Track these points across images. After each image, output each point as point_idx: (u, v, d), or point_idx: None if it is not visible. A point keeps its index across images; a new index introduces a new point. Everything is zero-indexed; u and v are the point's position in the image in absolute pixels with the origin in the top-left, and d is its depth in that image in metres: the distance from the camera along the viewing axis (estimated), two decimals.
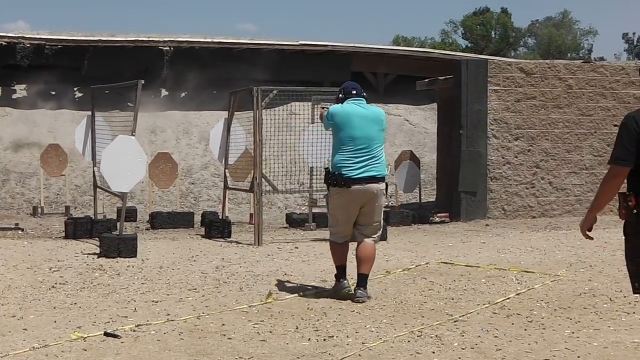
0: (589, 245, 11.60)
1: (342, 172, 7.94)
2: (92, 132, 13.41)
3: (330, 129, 8.32)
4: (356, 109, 8.11)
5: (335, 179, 7.99)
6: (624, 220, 5.28)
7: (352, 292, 8.03)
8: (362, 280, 8.07)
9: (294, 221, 15.14)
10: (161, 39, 25.18)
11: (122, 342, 6.33)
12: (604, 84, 16.43)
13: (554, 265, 10.20)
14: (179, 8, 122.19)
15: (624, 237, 5.36)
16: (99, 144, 12.94)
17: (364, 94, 8.29)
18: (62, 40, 24.52)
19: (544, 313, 7.49)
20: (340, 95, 8.30)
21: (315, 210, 14.77)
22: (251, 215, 14.67)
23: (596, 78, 16.44)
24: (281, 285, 8.81)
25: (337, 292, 8.13)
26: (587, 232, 5.55)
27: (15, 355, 5.92)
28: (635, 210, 5.12)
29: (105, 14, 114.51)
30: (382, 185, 8.11)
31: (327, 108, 8.52)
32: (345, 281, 8.17)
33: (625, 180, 5.25)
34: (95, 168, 13.29)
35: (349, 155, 7.98)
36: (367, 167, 7.98)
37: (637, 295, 5.40)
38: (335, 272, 8.28)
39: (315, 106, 14.14)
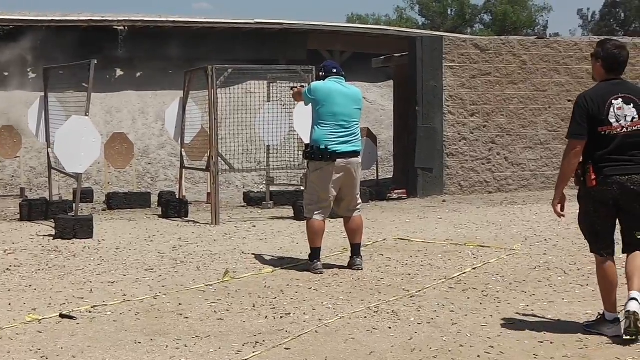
0: (544, 219, 11.77)
1: (328, 147, 8.15)
2: (46, 113, 13.26)
3: (310, 104, 8.49)
4: (337, 87, 8.38)
5: (320, 153, 8.17)
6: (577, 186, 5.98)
7: (322, 273, 8.21)
8: (357, 249, 8.55)
9: (251, 200, 15.11)
10: (115, 19, 24.95)
11: (78, 324, 6.30)
12: (557, 60, 16.54)
13: (509, 239, 10.29)
14: None
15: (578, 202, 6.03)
16: (53, 125, 12.80)
17: (343, 73, 8.54)
18: (13, 20, 24.21)
19: (500, 287, 7.57)
20: (321, 73, 8.56)
21: (272, 188, 14.77)
22: (208, 194, 14.64)
23: (550, 54, 16.55)
24: (238, 264, 8.81)
25: (309, 271, 8.29)
26: (558, 209, 6.06)
27: None
28: (582, 177, 5.86)
29: None
30: (360, 159, 8.45)
31: (303, 86, 8.75)
32: (319, 262, 8.35)
33: None
34: (49, 149, 13.15)
35: (331, 130, 8.21)
36: (348, 142, 8.26)
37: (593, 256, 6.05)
38: (310, 253, 8.46)
39: (272, 84, 14.13)
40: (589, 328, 6.03)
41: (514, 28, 62.64)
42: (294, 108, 12.92)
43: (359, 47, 27.08)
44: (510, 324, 6.26)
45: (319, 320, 6.39)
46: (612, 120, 5.79)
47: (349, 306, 6.86)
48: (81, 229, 10.70)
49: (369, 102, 26.01)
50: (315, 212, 8.37)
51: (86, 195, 15.52)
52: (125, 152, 16.36)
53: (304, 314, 6.61)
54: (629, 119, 5.81)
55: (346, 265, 8.58)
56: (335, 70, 8.50)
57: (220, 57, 21.94)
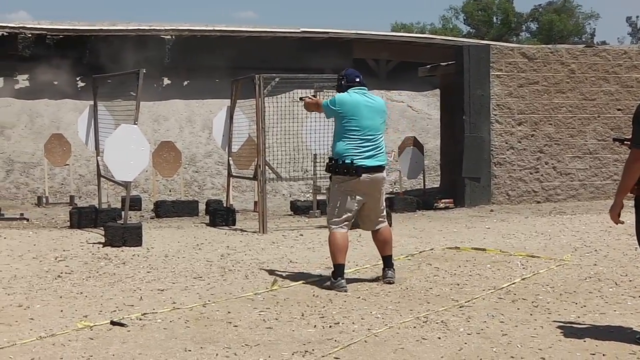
0: (594, 229, 11.65)
1: (353, 161, 7.88)
2: (95, 121, 13.41)
3: (333, 116, 8.22)
4: (363, 99, 8.08)
5: (345, 167, 7.90)
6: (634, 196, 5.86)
7: (347, 292, 7.80)
8: (389, 261, 8.25)
9: (298, 208, 15.15)
10: (162, 28, 25.17)
11: (129, 331, 6.34)
12: (606, 68, 16.40)
13: (559, 249, 10.19)
14: None
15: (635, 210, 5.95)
16: (102, 134, 12.94)
17: (364, 82, 8.26)
18: (63, 30, 24.53)
19: (550, 298, 7.49)
20: (343, 82, 8.22)
21: (319, 197, 14.78)
22: (255, 203, 14.69)
23: (599, 62, 16.40)
24: (286, 273, 8.82)
25: (333, 289, 7.89)
26: (617, 217, 5.91)
27: (22, 345, 5.93)
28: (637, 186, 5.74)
29: (107, 3, 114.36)
30: (385, 173, 8.19)
31: (314, 96, 8.46)
32: (343, 280, 7.95)
33: None
34: (98, 157, 13.29)
35: (357, 144, 7.92)
36: (374, 157, 7.98)
37: None
38: (333, 270, 8.05)
39: (318, 93, 14.13)
40: None
41: (560, 36, 62.19)
42: None
43: (404, 56, 27.05)
44: (562, 335, 6.20)
45: (368, 329, 6.37)
46: None
47: (398, 316, 6.83)
48: (130, 236, 10.78)
49: (415, 111, 25.96)
50: (339, 226, 8.04)
51: (134, 203, 15.65)
52: (173, 160, 16.47)
53: (353, 323, 6.59)
54: None
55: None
56: (358, 80, 8.19)
57: (265, 65, 22.04)
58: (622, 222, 5.99)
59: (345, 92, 8.14)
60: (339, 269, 7.96)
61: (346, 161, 7.89)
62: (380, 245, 8.29)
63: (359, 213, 8.17)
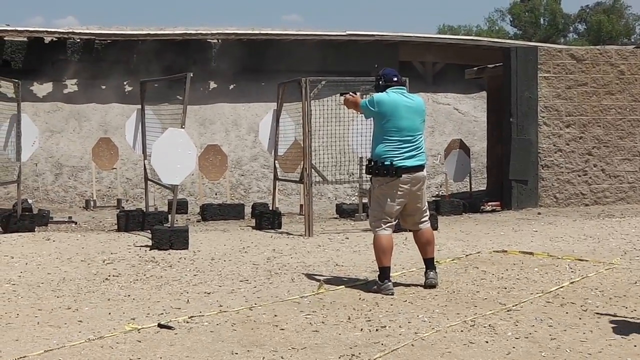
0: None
1: (393, 162, 7.83)
2: (142, 125, 13.51)
3: (372, 117, 8.19)
4: (402, 99, 8.02)
5: (385, 168, 7.85)
6: None
7: (393, 294, 7.77)
8: (430, 264, 8.17)
9: (344, 212, 15.14)
10: (209, 32, 25.26)
11: (176, 334, 6.37)
12: None
13: (608, 253, 10.08)
14: (226, 1, 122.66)
15: None
16: (149, 137, 13.03)
17: (404, 79, 8.27)
18: (111, 35, 24.73)
19: (599, 302, 7.40)
20: (381, 82, 8.15)
21: (365, 200, 14.73)
22: (301, 206, 14.70)
23: None
24: (332, 276, 8.81)
25: (380, 292, 7.85)
26: None
27: (71, 347, 5.98)
28: None
29: (154, 8, 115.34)
30: (425, 172, 8.12)
31: (355, 94, 8.42)
32: (390, 283, 7.90)
33: None
34: (145, 161, 13.38)
35: (397, 145, 7.88)
36: (414, 157, 7.95)
37: None
38: (379, 273, 8.02)
39: (365, 96, 14.10)
40: None
41: (609, 37, 61.51)
42: None
43: (450, 58, 26.90)
44: (612, 339, 6.12)
45: (415, 333, 6.34)
46: None
47: (445, 319, 6.79)
48: (177, 239, 10.84)
49: (462, 114, 25.83)
50: (382, 227, 8.01)
51: (181, 207, 15.73)
52: (219, 163, 16.53)
53: (400, 326, 6.57)
54: None
55: (439, 278, 8.48)
56: (396, 79, 8.11)
57: (311, 68, 22.05)
58: None
59: (384, 92, 8.09)
60: (384, 272, 7.93)
61: (386, 162, 7.86)
62: (421, 247, 8.24)
63: (402, 212, 8.14)
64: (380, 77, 8.19)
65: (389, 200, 7.96)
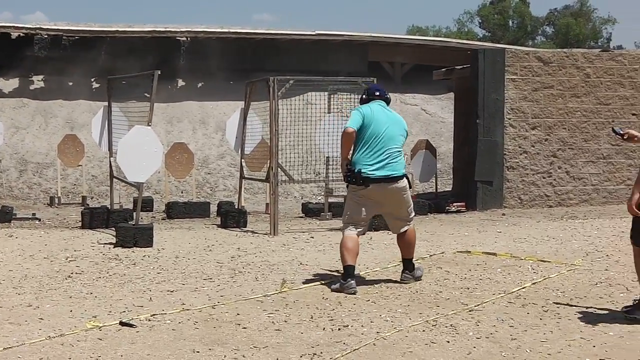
0: (606, 234, 11.62)
1: (361, 171, 8.04)
2: (109, 122, 13.45)
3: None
4: (378, 109, 8.28)
5: (354, 177, 8.08)
6: None
7: (356, 292, 7.85)
8: (407, 264, 8.42)
9: (310, 211, 15.15)
10: (178, 30, 25.20)
11: (138, 332, 6.35)
12: (622, 73, 16.31)
13: (570, 254, 10.15)
14: None
15: None
16: (116, 135, 12.98)
17: (387, 96, 8.52)
18: (79, 31, 24.59)
19: (560, 302, 7.46)
20: (364, 96, 8.50)
21: (331, 199, 14.78)
22: (267, 205, 14.69)
23: (614, 67, 16.32)
24: (296, 275, 8.82)
25: (342, 291, 7.91)
26: (635, 210, 6.44)
27: (31, 345, 5.95)
28: None
29: (123, 5, 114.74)
30: (401, 183, 8.21)
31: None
32: (353, 282, 7.95)
33: None
34: (111, 158, 13.33)
35: (369, 154, 8.09)
36: (384, 166, 8.10)
37: None
38: (343, 272, 8.08)
39: (332, 96, 14.15)
40: (630, 313, 6.61)
41: (576, 40, 61.99)
42: None
43: (419, 59, 26.97)
44: (571, 340, 6.17)
45: (377, 332, 6.36)
46: None
47: (407, 319, 6.82)
48: (141, 237, 10.81)
49: (429, 114, 25.91)
50: (348, 229, 8.20)
51: (146, 204, 15.66)
52: (186, 161, 16.48)
53: (362, 326, 6.59)
54: None
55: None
56: (378, 93, 8.44)
57: (280, 68, 22.05)
58: (639, 214, 6.46)
59: (365, 104, 8.39)
60: (347, 271, 8.00)
61: (355, 171, 8.08)
62: (402, 247, 8.46)
63: (385, 217, 8.48)
64: (364, 92, 8.58)
65: (357, 206, 8.20)
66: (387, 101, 8.47)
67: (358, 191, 8.14)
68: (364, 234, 8.42)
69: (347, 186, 8.36)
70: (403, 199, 8.28)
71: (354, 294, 7.82)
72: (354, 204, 8.21)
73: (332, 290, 7.95)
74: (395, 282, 8.40)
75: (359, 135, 8.14)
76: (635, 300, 6.82)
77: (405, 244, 8.40)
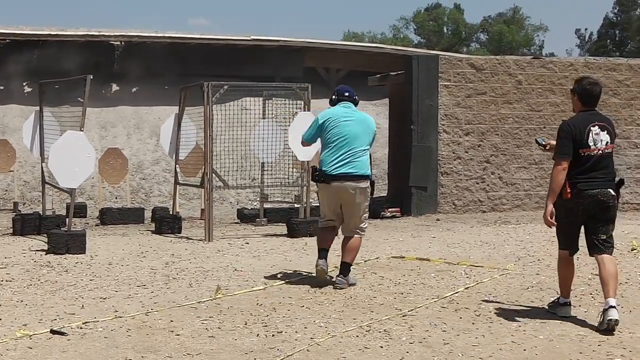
0: (537, 239, 11.77)
1: (323, 169, 8.50)
2: (41, 127, 13.26)
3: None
4: (343, 111, 8.65)
5: (317, 175, 8.59)
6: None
7: (323, 270, 8.49)
8: (343, 268, 8.53)
9: (245, 216, 15.11)
10: (112, 34, 24.96)
11: (69, 340, 6.28)
12: (553, 80, 16.57)
13: (502, 259, 10.28)
14: (130, 3, 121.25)
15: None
16: (48, 140, 12.81)
17: (356, 97, 8.87)
18: (10, 34, 24.20)
19: (492, 307, 7.55)
20: (334, 97, 8.84)
21: (266, 205, 14.76)
22: (202, 210, 14.62)
23: (545, 74, 16.58)
24: (231, 281, 8.79)
25: (315, 268, 8.60)
26: (550, 219, 6.96)
27: None
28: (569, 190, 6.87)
29: (55, 8, 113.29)
30: (362, 184, 8.52)
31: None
32: (322, 260, 8.49)
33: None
34: (43, 164, 13.14)
35: (331, 153, 8.52)
36: (344, 165, 8.46)
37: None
38: (318, 254, 8.66)
39: (267, 101, 14.14)
40: (549, 309, 7.23)
41: (510, 47, 62.82)
42: (289, 125, 12.96)
43: (355, 65, 27.09)
44: (503, 344, 6.25)
45: (311, 338, 6.37)
46: (591, 144, 6.94)
47: (341, 325, 6.84)
48: (74, 244, 10.68)
49: None
50: (323, 221, 8.78)
51: (79, 210, 15.49)
52: (120, 167, 16.33)
53: (296, 332, 6.59)
54: (603, 143, 6.98)
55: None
56: (347, 94, 8.80)
57: (216, 73, 21.94)
58: (555, 224, 7.02)
59: (328, 109, 8.81)
60: (319, 252, 8.61)
61: (319, 168, 8.59)
62: (343, 251, 8.64)
63: (343, 216, 8.67)
64: (334, 92, 8.92)
65: (324, 203, 8.75)
66: (355, 102, 8.81)
67: (322, 189, 8.64)
68: (338, 227, 8.77)
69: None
70: (360, 202, 8.57)
71: (320, 269, 8.48)
72: (322, 200, 8.76)
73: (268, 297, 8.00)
74: (330, 287, 8.41)
75: (323, 137, 8.62)
76: (553, 298, 7.46)
77: (348, 247, 8.59)
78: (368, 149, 8.62)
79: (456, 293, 8.16)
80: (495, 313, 7.30)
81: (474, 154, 16.13)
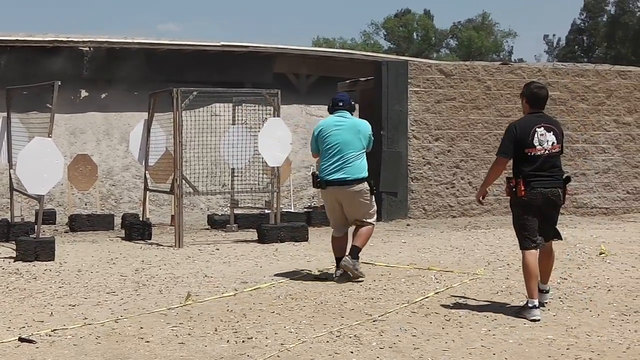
0: (507, 244, 11.84)
1: (320, 176, 9.16)
2: (8, 134, 13.16)
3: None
4: (335, 120, 9.24)
5: (315, 181, 9.29)
6: (509, 196, 7.62)
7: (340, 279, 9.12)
8: (353, 251, 9.14)
9: (215, 222, 15.08)
10: (81, 40, 24.80)
11: (37, 347, 6.23)
12: (521, 86, 16.41)
13: (472, 264, 10.33)
14: (100, 8, 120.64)
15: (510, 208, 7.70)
16: (16, 146, 12.71)
17: (351, 104, 9.44)
18: None
19: (462, 312, 7.58)
20: (330, 105, 9.42)
21: (237, 211, 14.74)
22: (172, 217, 14.57)
23: (514, 80, 16.69)
24: (201, 288, 8.77)
25: (338, 279, 9.13)
26: (481, 200, 7.94)
27: None
28: (514, 189, 7.42)
29: (23, 13, 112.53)
30: (357, 187, 9.11)
31: None
32: (339, 271, 9.17)
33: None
34: (11, 170, 13.04)
35: (327, 160, 9.14)
36: (337, 171, 9.07)
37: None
38: (336, 264, 9.37)
39: (237, 107, 14.12)
40: (518, 314, 7.40)
41: (479, 53, 63.22)
42: (259, 131, 12.96)
43: (325, 71, 27.12)
44: (472, 349, 6.28)
45: (281, 344, 6.37)
46: (536, 144, 7.42)
47: (312, 330, 6.84)
48: (43, 251, 10.61)
49: None
50: (332, 228, 9.51)
51: (49, 217, 15.37)
52: (89, 173, 16.22)
53: (266, 338, 6.58)
54: (549, 143, 7.46)
55: (307, 289, 8.59)
56: (341, 104, 9.33)
57: (186, 79, 21.89)
58: (482, 203, 8.23)
59: (323, 120, 9.50)
60: (337, 262, 9.30)
61: (317, 175, 9.27)
62: (354, 236, 9.29)
63: (347, 216, 9.31)
64: (331, 101, 9.46)
65: (326, 207, 9.52)
66: (351, 110, 9.38)
67: (322, 193, 9.46)
68: (346, 229, 9.42)
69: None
70: (359, 202, 9.17)
71: (336, 279, 9.10)
72: (325, 204, 9.63)
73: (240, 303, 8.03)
74: (301, 293, 8.42)
75: (320, 146, 9.26)
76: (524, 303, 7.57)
77: (359, 233, 9.24)
78: (362, 152, 9.18)
79: (426, 298, 8.19)
80: (465, 318, 7.33)
81: (444, 160, 16.20)
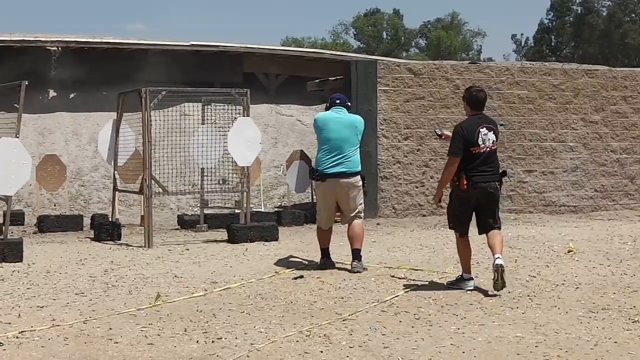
0: (476, 242, 11.81)
1: (319, 169, 9.66)
2: None
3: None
4: (334, 115, 9.78)
5: (314, 174, 9.78)
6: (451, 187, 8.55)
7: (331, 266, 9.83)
8: (356, 254, 9.73)
9: (185, 223, 15.03)
10: (48, 39, 24.62)
11: (4, 350, 6.19)
12: (489, 85, 16.72)
13: (442, 262, 10.37)
14: (67, 8, 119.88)
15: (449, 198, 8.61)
16: None
17: (348, 103, 10.06)
18: None
19: (431, 310, 7.62)
20: (328, 104, 10.02)
21: (207, 211, 14.70)
22: (142, 217, 14.51)
23: (482, 78, 16.74)
24: (171, 288, 8.74)
25: (322, 265, 9.85)
26: (439, 203, 8.84)
27: None
28: (457, 182, 8.34)
29: None
30: (353, 179, 9.72)
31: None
32: (327, 259, 9.95)
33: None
34: None
35: (325, 154, 9.66)
36: (338, 164, 9.60)
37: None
38: (321, 253, 10.04)
39: (206, 107, 14.09)
40: (451, 285, 8.54)
41: (448, 52, 63.46)
42: (228, 130, 12.93)
43: (294, 70, 27.10)
44: (442, 347, 6.30)
45: (251, 344, 6.36)
46: (480, 143, 8.31)
47: (281, 330, 6.84)
48: (10, 252, 10.53)
49: (304, 125, 26.04)
50: (320, 221, 10.05)
51: (17, 218, 15.25)
52: (57, 174, 16.10)
53: (236, 338, 6.58)
54: (490, 141, 8.37)
55: (277, 289, 8.59)
56: (338, 101, 9.90)
57: (155, 78, 21.76)
58: (441, 206, 9.14)
59: (323, 112, 10.06)
60: (323, 252, 10.05)
61: (315, 169, 9.80)
62: (350, 239, 9.83)
63: (341, 208, 9.87)
64: (328, 100, 10.13)
65: (322, 200, 9.96)
66: (348, 107, 9.95)
67: (319, 186, 9.85)
68: (332, 224, 10.07)
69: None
70: (352, 195, 9.72)
71: (331, 268, 9.80)
72: (319, 196, 10.01)
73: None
74: (271, 292, 8.42)
75: (318, 137, 9.85)
76: (459, 275, 8.72)
77: (353, 235, 9.76)
78: (357, 148, 9.74)
79: (396, 297, 8.22)
80: (434, 316, 7.37)
81: (413, 159, 16.24)
